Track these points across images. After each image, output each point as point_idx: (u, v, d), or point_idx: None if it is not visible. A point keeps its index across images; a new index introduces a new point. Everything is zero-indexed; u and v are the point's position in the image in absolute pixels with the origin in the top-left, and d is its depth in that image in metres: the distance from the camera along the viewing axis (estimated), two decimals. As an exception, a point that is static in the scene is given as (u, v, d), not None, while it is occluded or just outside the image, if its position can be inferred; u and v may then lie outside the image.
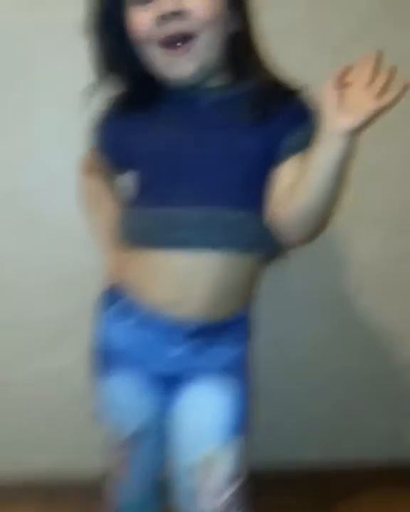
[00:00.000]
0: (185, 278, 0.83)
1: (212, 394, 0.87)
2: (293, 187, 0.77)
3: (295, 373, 1.42)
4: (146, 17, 0.78)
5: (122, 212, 0.91)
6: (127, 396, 0.92)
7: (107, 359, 0.93)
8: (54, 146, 1.17)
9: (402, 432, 1.51)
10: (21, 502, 1.35)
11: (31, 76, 1.14)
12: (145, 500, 1.02)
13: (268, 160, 0.82)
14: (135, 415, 0.93)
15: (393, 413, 1.49)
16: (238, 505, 0.86)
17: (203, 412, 0.87)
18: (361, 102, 0.67)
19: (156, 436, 0.95)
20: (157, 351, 0.88)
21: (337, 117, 0.69)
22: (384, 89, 0.66)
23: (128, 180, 0.91)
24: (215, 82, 0.84)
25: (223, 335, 0.88)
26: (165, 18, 0.76)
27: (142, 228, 0.85)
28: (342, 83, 0.70)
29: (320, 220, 0.79)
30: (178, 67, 0.80)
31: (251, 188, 0.83)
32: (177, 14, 0.76)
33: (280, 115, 0.81)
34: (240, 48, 0.83)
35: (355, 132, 0.68)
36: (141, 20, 0.79)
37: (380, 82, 0.67)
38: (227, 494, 0.85)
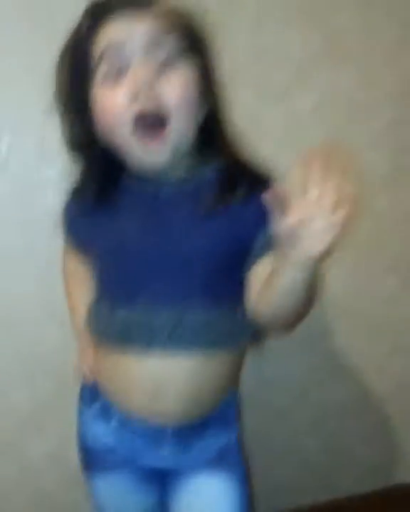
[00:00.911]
0: (159, 383, 0.79)
1: (212, 485, 0.85)
2: (263, 292, 0.73)
3: (282, 415, 1.41)
4: (118, 95, 0.72)
5: (91, 307, 0.87)
6: (121, 494, 0.90)
7: (95, 457, 0.90)
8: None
9: (391, 459, 1.52)
10: None
11: None
12: None
13: (236, 253, 0.77)
14: (132, 510, 0.91)
15: (380, 443, 1.50)
16: None
17: (207, 505, 0.85)
18: (319, 227, 0.60)
19: None
20: (145, 450, 0.85)
21: (296, 247, 0.62)
22: (337, 203, 0.59)
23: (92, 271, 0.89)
24: (178, 169, 0.79)
25: (209, 428, 0.86)
26: (139, 92, 0.70)
27: (112, 330, 0.81)
28: (285, 203, 0.61)
29: (292, 320, 0.76)
30: (153, 155, 0.75)
31: (220, 284, 0.79)
32: (152, 90, 0.71)
33: (248, 205, 0.74)
34: (209, 130, 0.79)
35: (321, 257, 0.62)
36: (112, 100, 0.72)
37: (329, 196, 0.59)
38: None
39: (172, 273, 0.78)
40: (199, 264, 0.77)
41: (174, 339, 0.77)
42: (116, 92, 0.72)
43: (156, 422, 0.83)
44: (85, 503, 1.03)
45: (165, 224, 0.78)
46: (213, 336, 0.78)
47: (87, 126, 0.77)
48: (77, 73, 0.74)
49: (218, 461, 0.86)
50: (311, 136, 1.21)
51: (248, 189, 0.75)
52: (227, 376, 0.85)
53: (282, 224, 0.62)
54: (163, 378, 0.79)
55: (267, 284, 0.72)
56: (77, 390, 0.96)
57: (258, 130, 1.18)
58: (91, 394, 0.90)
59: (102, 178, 0.81)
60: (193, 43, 0.75)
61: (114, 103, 0.72)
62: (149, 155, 0.75)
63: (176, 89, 0.72)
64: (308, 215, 0.60)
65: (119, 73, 0.72)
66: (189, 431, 0.84)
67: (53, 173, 1.05)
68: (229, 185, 0.77)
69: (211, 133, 0.79)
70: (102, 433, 0.88)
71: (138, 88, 0.70)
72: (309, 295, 0.70)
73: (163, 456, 0.85)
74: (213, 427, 0.86)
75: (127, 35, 0.71)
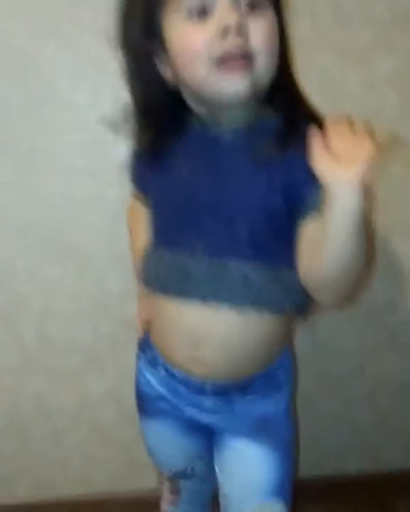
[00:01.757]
0: (197, 334, 0.79)
1: (252, 451, 0.85)
2: (316, 250, 0.70)
3: (337, 385, 1.41)
4: (203, 33, 0.70)
5: (144, 253, 0.89)
6: (169, 438, 0.93)
7: (147, 401, 0.94)
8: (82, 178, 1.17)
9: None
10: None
11: (58, 102, 1.14)
12: None
13: (286, 210, 0.75)
14: (179, 456, 0.96)
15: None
16: None
17: (246, 469, 0.85)
18: (355, 151, 0.63)
19: (201, 473, 0.97)
20: (190, 401, 0.86)
21: (339, 171, 0.63)
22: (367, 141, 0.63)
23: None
24: (242, 115, 0.77)
25: (252, 390, 0.85)
26: (228, 31, 0.69)
27: (157, 274, 0.82)
28: (325, 146, 0.65)
29: (349, 282, 0.72)
30: (232, 84, 0.72)
31: (268, 241, 0.77)
32: (240, 30, 0.69)
33: (302, 160, 0.69)
34: (280, 81, 0.76)
35: (366, 182, 0.62)
36: (196, 37, 0.70)
37: (361, 134, 0.65)
38: None
39: (220, 222, 0.77)
40: (248, 215, 0.76)
41: (213, 289, 0.77)
42: (202, 29, 0.70)
43: (196, 375, 0.83)
44: (138, 441, 1.09)
45: (221, 171, 0.77)
46: (253, 293, 0.77)
47: (153, 61, 0.76)
48: (149, 9, 0.73)
49: (263, 427, 0.85)
50: (388, 101, 1.18)
51: (303, 138, 0.70)
52: (269, 339, 0.82)
53: (322, 153, 0.64)
54: (201, 328, 0.79)
55: (319, 240, 0.69)
56: (136, 333, 1.01)
57: (335, 93, 1.17)
58: (145, 342, 0.94)
59: (163, 121, 0.80)
60: None
61: (199, 40, 0.70)
62: (229, 84, 0.72)
63: (263, 33, 0.71)
64: (342, 141, 0.64)
65: (202, 12, 0.70)
66: (230, 389, 0.84)
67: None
68: (287, 132, 0.75)
69: (279, 87, 0.77)
70: (154, 380, 0.91)
71: (227, 28, 0.69)
72: (359, 249, 0.67)
73: (206, 412, 0.86)
74: (258, 390, 0.85)
75: None
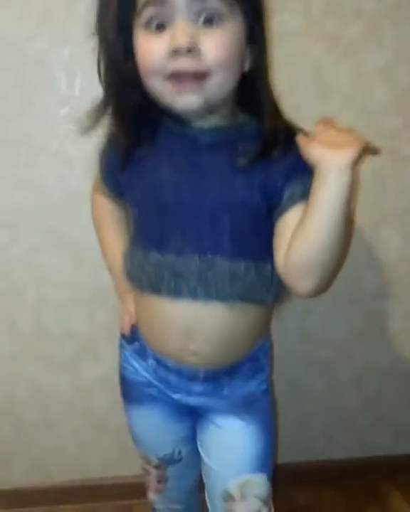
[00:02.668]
0: (189, 327, 0.83)
1: (237, 426, 0.90)
2: (299, 232, 0.74)
3: (324, 370, 1.44)
4: (158, 48, 0.72)
5: (126, 251, 0.91)
6: (157, 423, 0.96)
7: (132, 388, 0.97)
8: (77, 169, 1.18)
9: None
10: (67, 506, 1.44)
11: (53, 94, 1.15)
12: (187, 508, 1.09)
13: (265, 207, 0.80)
14: (166, 440, 0.98)
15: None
16: None
17: (230, 443, 0.90)
18: (344, 139, 0.71)
19: (188, 456, 1.00)
20: (179, 387, 0.90)
21: (330, 154, 0.70)
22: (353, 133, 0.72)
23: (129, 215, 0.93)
24: (217, 119, 0.80)
25: (238, 373, 0.90)
26: (178, 52, 0.70)
27: (146, 274, 0.84)
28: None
29: (331, 264, 0.76)
30: (184, 100, 0.75)
31: (248, 237, 0.81)
32: (190, 51, 0.70)
33: (280, 161, 0.78)
34: (250, 86, 0.79)
35: (352, 165, 0.69)
36: (151, 51, 0.73)
37: (345, 130, 0.74)
38: None
39: (204, 221, 0.80)
40: (230, 213, 0.80)
41: (202, 286, 0.80)
42: (156, 43, 0.72)
43: (189, 364, 0.87)
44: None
45: (201, 170, 0.80)
46: (239, 288, 0.81)
47: (127, 63, 0.77)
48: (120, 9, 0.74)
49: (247, 405, 0.90)
50: (378, 94, 1.21)
51: (284, 146, 0.78)
52: (254, 328, 0.88)
53: (312, 141, 0.72)
54: (193, 322, 0.83)
55: (302, 225, 0.74)
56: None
57: (326, 84, 1.19)
58: (131, 333, 0.96)
59: (140, 119, 0.82)
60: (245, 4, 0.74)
61: (153, 54, 0.73)
62: (180, 100, 0.75)
63: (217, 50, 0.72)
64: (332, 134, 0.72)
65: (160, 25, 0.72)
66: (220, 375, 0.89)
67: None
68: (268, 143, 0.78)
69: (252, 86, 0.80)
70: (141, 368, 0.94)
71: (178, 49, 0.70)
72: (342, 232, 0.72)
73: (195, 395, 0.91)
74: (243, 373, 0.91)
75: None
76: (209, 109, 0.77)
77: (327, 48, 1.17)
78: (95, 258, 1.14)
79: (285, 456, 1.42)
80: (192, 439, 0.98)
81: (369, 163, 1.23)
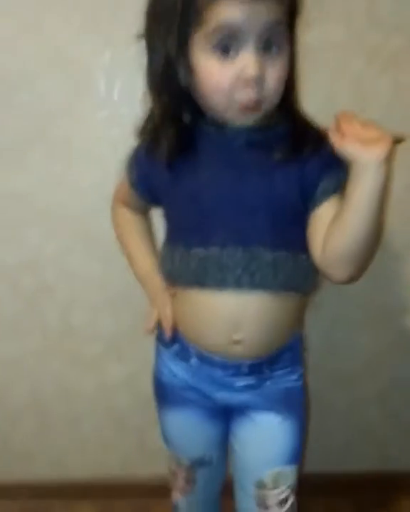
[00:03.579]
0: (234, 317, 0.87)
1: (274, 421, 0.94)
2: (337, 225, 0.79)
3: (349, 384, 1.43)
4: (227, 74, 0.75)
5: (165, 252, 0.94)
6: (192, 426, 0.99)
7: (168, 391, 0.99)
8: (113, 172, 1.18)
9: None
10: (85, 502, 1.46)
11: (94, 98, 1.17)
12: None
13: (301, 201, 0.84)
14: (199, 443, 1.02)
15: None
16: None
17: (266, 437, 0.95)
18: (373, 135, 0.73)
19: (217, 461, 1.04)
20: (223, 384, 0.93)
21: (367, 150, 0.72)
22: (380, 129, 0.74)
23: (164, 216, 0.95)
24: (255, 122, 0.84)
25: (279, 363, 0.94)
26: (247, 83, 0.75)
27: (189, 269, 0.88)
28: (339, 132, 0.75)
29: (367, 254, 0.80)
30: (243, 120, 0.82)
31: (287, 229, 0.86)
32: (259, 80, 0.75)
33: (313, 158, 0.83)
34: (285, 92, 0.83)
35: (387, 160, 0.72)
36: (219, 77, 0.76)
37: (371, 122, 0.75)
38: (290, 502, 0.96)
39: (244, 215, 0.84)
40: (270, 207, 0.84)
41: (246, 276, 0.84)
42: (225, 69, 0.75)
43: (234, 356, 0.90)
44: (151, 428, 1.13)
45: (240, 168, 0.84)
46: (281, 277, 0.85)
47: (176, 76, 0.79)
48: (184, 28, 0.75)
49: (284, 400, 0.94)
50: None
51: (314, 144, 0.83)
52: (294, 315, 0.92)
53: (344, 138, 0.74)
54: (238, 312, 0.86)
55: (339, 218, 0.78)
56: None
57: (365, 97, 1.18)
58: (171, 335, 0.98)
59: (181, 124, 0.84)
60: (295, 19, 0.80)
61: (222, 81, 0.76)
62: (242, 119, 0.82)
63: (277, 78, 0.77)
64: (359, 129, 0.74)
65: (226, 48, 0.74)
66: (263, 366, 0.92)
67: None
68: (301, 140, 0.83)
69: (286, 95, 0.83)
70: (182, 371, 0.96)
71: (249, 79, 0.74)
72: (376, 226, 0.76)
73: (238, 391, 0.93)
74: (284, 362, 0.94)
75: (247, 18, 0.72)
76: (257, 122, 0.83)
77: (368, 60, 1.16)
78: (123, 260, 1.16)
79: (303, 467, 1.41)
80: (223, 444, 1.03)
81: (402, 177, 1.22)
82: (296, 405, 0.96)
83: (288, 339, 0.94)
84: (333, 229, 0.79)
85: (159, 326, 1.01)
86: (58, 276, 1.28)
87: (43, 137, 1.18)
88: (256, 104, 0.78)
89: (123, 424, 1.42)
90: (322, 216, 0.83)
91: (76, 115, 1.17)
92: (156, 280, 1.00)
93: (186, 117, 0.84)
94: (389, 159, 0.72)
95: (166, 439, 1.04)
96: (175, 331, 0.96)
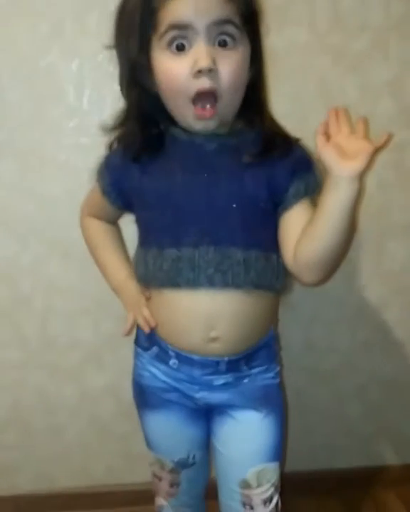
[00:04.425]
0: (210, 316, 0.89)
1: (255, 417, 0.95)
2: (309, 232, 0.82)
3: (328, 379, 1.45)
4: (181, 69, 0.80)
5: (136, 257, 0.97)
6: (174, 427, 1.00)
7: (149, 394, 1.00)
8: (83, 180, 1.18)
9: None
10: (73, 509, 1.44)
11: (62, 106, 1.17)
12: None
13: (271, 204, 0.88)
14: (182, 444, 1.02)
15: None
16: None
17: (248, 433, 0.96)
18: (356, 147, 0.75)
19: (200, 460, 1.05)
20: (203, 383, 0.95)
21: (343, 164, 0.75)
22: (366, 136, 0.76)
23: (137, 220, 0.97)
24: (224, 127, 0.88)
25: (255, 360, 0.96)
26: (201, 73, 0.79)
27: (162, 269, 0.89)
28: (326, 136, 0.78)
29: (337, 260, 0.85)
30: (202, 124, 0.85)
31: (258, 229, 0.89)
32: (212, 71, 0.79)
33: (284, 161, 0.87)
34: (252, 98, 0.88)
35: (361, 175, 0.75)
36: (175, 72, 0.81)
37: (361, 129, 0.77)
38: (275, 501, 0.97)
39: (216, 215, 0.87)
40: (241, 207, 0.87)
41: (218, 275, 0.87)
42: (179, 64, 0.80)
43: (212, 354, 0.92)
44: (136, 434, 1.12)
45: (210, 172, 0.87)
46: (253, 274, 0.88)
47: (144, 79, 0.85)
48: (142, 30, 0.81)
49: (263, 398, 0.96)
50: (384, 107, 1.22)
51: (283, 149, 0.88)
52: (267, 312, 0.95)
53: (320, 137, 0.77)
54: (213, 310, 0.89)
55: (311, 225, 0.81)
56: (133, 331, 1.05)
57: (331, 97, 1.20)
58: (147, 338, 0.99)
59: (151, 129, 0.90)
60: (251, 18, 0.83)
61: (177, 75, 0.81)
62: (199, 123, 0.85)
63: (231, 70, 0.81)
64: (338, 131, 0.78)
65: (181, 46, 0.80)
66: (240, 363, 0.94)
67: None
68: (270, 144, 0.87)
69: (251, 97, 0.89)
70: (162, 373, 0.97)
71: (202, 69, 0.78)
72: (347, 234, 0.80)
73: (217, 390, 0.95)
74: (260, 358, 0.96)
75: (194, 15, 0.78)
76: (220, 126, 0.87)
77: (333, 61, 1.18)
78: (98, 271, 1.16)
79: (288, 465, 1.42)
80: (205, 444, 1.04)
81: (375, 175, 1.24)
82: (275, 402, 0.98)
83: (263, 335, 0.96)
84: (304, 236, 0.83)
85: (137, 329, 1.03)
86: (35, 287, 1.27)
87: (12, 147, 1.17)
88: (211, 95, 0.81)
89: (107, 432, 1.42)
90: (293, 220, 0.87)
91: (46, 124, 1.17)
92: (131, 286, 1.02)
93: (156, 121, 0.89)
94: (363, 173, 0.75)
95: (149, 443, 1.05)
96: (153, 333, 0.97)
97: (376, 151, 0.75)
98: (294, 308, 1.33)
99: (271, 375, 0.98)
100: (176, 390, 0.96)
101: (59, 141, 1.18)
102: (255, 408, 0.95)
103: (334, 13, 1.16)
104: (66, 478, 1.46)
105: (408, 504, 1.48)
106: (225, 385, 0.95)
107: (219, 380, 0.94)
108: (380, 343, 1.42)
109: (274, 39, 1.11)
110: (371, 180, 1.25)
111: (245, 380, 0.95)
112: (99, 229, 1.09)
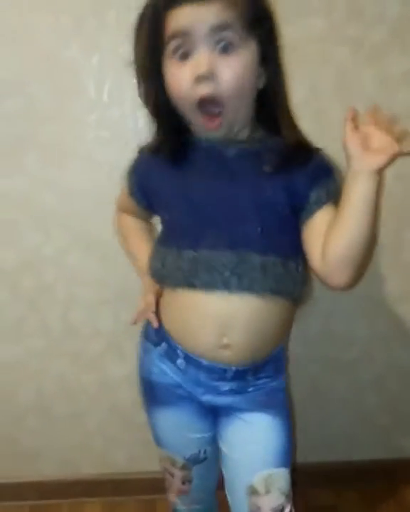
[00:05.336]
0: (224, 319, 0.88)
1: (261, 419, 0.94)
2: (334, 229, 0.82)
3: (346, 370, 1.45)
4: (184, 76, 0.82)
5: (156, 252, 0.97)
6: (184, 423, 1.00)
7: (159, 390, 1.00)
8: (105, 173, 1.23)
9: None
10: (92, 499, 1.48)
11: (83, 100, 1.20)
12: (206, 508, 1.13)
13: (291, 210, 0.88)
14: (193, 440, 1.02)
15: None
16: None
17: (256, 434, 0.94)
18: (383, 143, 0.75)
19: (211, 456, 1.04)
20: (208, 387, 0.94)
21: (364, 158, 0.75)
22: (399, 137, 0.75)
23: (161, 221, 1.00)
24: (242, 134, 0.90)
25: (263, 372, 0.95)
26: (199, 80, 0.80)
27: (180, 270, 0.90)
28: (355, 125, 0.77)
29: (364, 256, 0.83)
30: (209, 131, 0.87)
31: (276, 235, 0.89)
32: (211, 77, 0.80)
33: (303, 170, 0.87)
34: (268, 103, 0.89)
35: (382, 170, 0.76)
36: (178, 78, 0.83)
37: (396, 129, 0.77)
38: (287, 510, 0.93)
39: (234, 220, 0.87)
40: (259, 213, 0.87)
41: (234, 278, 0.86)
42: (182, 71, 0.82)
43: (221, 361, 0.91)
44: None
45: (230, 178, 0.88)
46: (270, 281, 0.87)
47: (159, 88, 0.87)
48: (151, 41, 0.84)
49: (268, 402, 0.95)
50: (401, 98, 1.22)
51: (304, 156, 0.88)
52: (282, 322, 0.93)
53: (349, 125, 0.77)
54: (227, 314, 0.88)
55: (336, 223, 0.82)
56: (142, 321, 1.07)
57: (349, 89, 1.20)
58: (157, 334, 0.99)
59: (176, 136, 0.92)
60: (256, 23, 0.83)
61: (181, 82, 0.83)
62: (207, 132, 0.87)
63: (231, 75, 0.81)
64: (372, 130, 0.77)
65: (185, 54, 0.82)
66: (247, 373, 0.93)
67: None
68: (289, 151, 0.88)
69: (270, 107, 0.89)
70: (169, 370, 0.97)
71: (200, 75, 0.80)
72: (370, 227, 0.80)
73: (222, 395, 0.94)
74: (267, 371, 0.95)
75: (191, 23, 0.79)
76: (232, 134, 0.88)
77: (351, 52, 1.18)
78: (121, 259, 1.18)
79: (305, 457, 1.43)
80: (215, 439, 1.02)
81: (392, 167, 1.23)
82: (280, 404, 0.97)
83: (274, 347, 0.95)
84: (331, 234, 0.82)
85: (146, 324, 1.04)
86: (57, 277, 1.30)
87: (35, 141, 1.20)
88: (212, 101, 0.82)
89: (127, 420, 1.44)
90: (317, 226, 0.86)
91: (67, 118, 1.20)
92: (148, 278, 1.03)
93: (177, 128, 0.91)
94: (382, 170, 0.76)
95: (159, 440, 1.05)
96: (162, 330, 0.98)
97: (399, 155, 0.75)
98: (313, 300, 1.33)
99: (276, 383, 0.97)
100: (183, 388, 0.96)
101: (80, 134, 1.21)
102: (261, 410, 0.94)
103: (352, 4, 1.16)
104: (88, 466, 1.49)
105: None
106: (230, 391, 0.94)
107: (224, 386, 0.94)
108: (399, 335, 1.42)
109: (291, 30, 1.11)
110: (388, 173, 1.25)
111: (250, 389, 0.95)
112: (130, 221, 1.11)
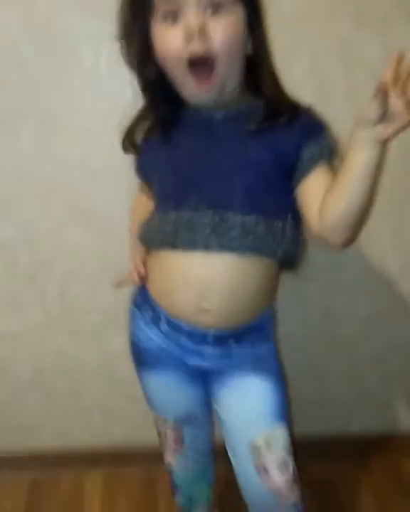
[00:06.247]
0: (203, 280, 0.89)
1: (252, 382, 0.95)
2: (334, 192, 0.81)
3: (346, 347, 1.46)
4: (174, 36, 0.82)
5: (145, 219, 0.98)
6: (170, 388, 1.02)
7: (146, 355, 1.02)
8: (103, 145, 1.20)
9: None
10: (93, 470, 1.51)
11: (80, 70, 1.17)
12: (202, 469, 1.15)
13: (281, 170, 0.88)
14: (181, 402, 1.04)
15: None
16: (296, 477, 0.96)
17: (247, 397, 0.95)
18: (398, 107, 0.70)
19: (202, 417, 1.07)
20: (192, 351, 0.96)
21: (374, 125, 0.73)
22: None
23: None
24: (230, 97, 0.90)
25: (247, 337, 0.96)
26: (190, 37, 0.81)
27: (161, 231, 0.92)
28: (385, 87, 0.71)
29: (363, 219, 0.83)
30: (202, 94, 0.87)
31: (260, 195, 0.88)
32: (200, 35, 0.81)
33: (289, 128, 0.86)
34: (255, 67, 0.89)
35: (389, 140, 0.74)
36: (169, 40, 0.83)
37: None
38: (291, 466, 0.95)
39: (217, 180, 0.88)
40: (243, 173, 0.87)
41: (214, 237, 0.87)
42: (172, 33, 0.83)
43: (200, 324, 0.92)
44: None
45: (216, 138, 0.90)
46: (250, 240, 0.87)
47: (147, 56, 0.88)
48: (137, 7, 0.85)
49: (257, 365, 0.96)
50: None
51: (291, 115, 0.87)
52: (263, 285, 0.93)
53: (372, 105, 0.72)
54: (207, 276, 0.88)
55: (337, 185, 0.81)
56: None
57: (353, 62, 1.17)
58: (143, 300, 1.01)
59: (165, 106, 0.93)
60: None
61: (170, 44, 0.83)
62: (199, 93, 0.87)
63: (223, 34, 0.82)
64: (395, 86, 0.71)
65: (174, 16, 0.82)
66: (229, 337, 0.94)
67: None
68: (275, 110, 0.88)
69: (257, 70, 0.90)
70: (152, 335, 0.99)
71: (190, 33, 0.81)
72: (370, 193, 0.79)
73: (208, 358, 0.96)
74: (251, 337, 0.96)
75: None
76: (221, 99, 0.88)
77: (354, 23, 1.15)
78: (120, 232, 1.18)
79: (303, 429, 1.44)
80: (205, 401, 1.05)
81: (394, 143, 1.22)
82: (271, 368, 0.97)
83: (255, 313, 0.95)
84: (329, 197, 0.82)
85: (135, 290, 1.05)
86: (55, 250, 1.30)
87: (32, 112, 1.18)
88: (204, 59, 0.82)
89: (127, 393, 1.45)
90: (313, 185, 0.86)
91: (64, 89, 1.17)
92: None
93: (167, 100, 0.92)
94: (391, 138, 0.74)
95: (149, 401, 1.08)
96: (147, 295, 0.99)
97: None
98: (313, 276, 1.33)
99: (263, 349, 0.98)
100: (169, 352, 0.98)
101: (77, 105, 1.18)
102: (251, 374, 0.95)
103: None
104: (87, 437, 1.51)
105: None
106: (214, 355, 0.95)
107: (207, 350, 0.95)
108: (399, 311, 1.42)
109: (294, 1, 1.09)
110: (391, 144, 1.22)
111: (235, 354, 0.96)
112: (140, 200, 1.11)
